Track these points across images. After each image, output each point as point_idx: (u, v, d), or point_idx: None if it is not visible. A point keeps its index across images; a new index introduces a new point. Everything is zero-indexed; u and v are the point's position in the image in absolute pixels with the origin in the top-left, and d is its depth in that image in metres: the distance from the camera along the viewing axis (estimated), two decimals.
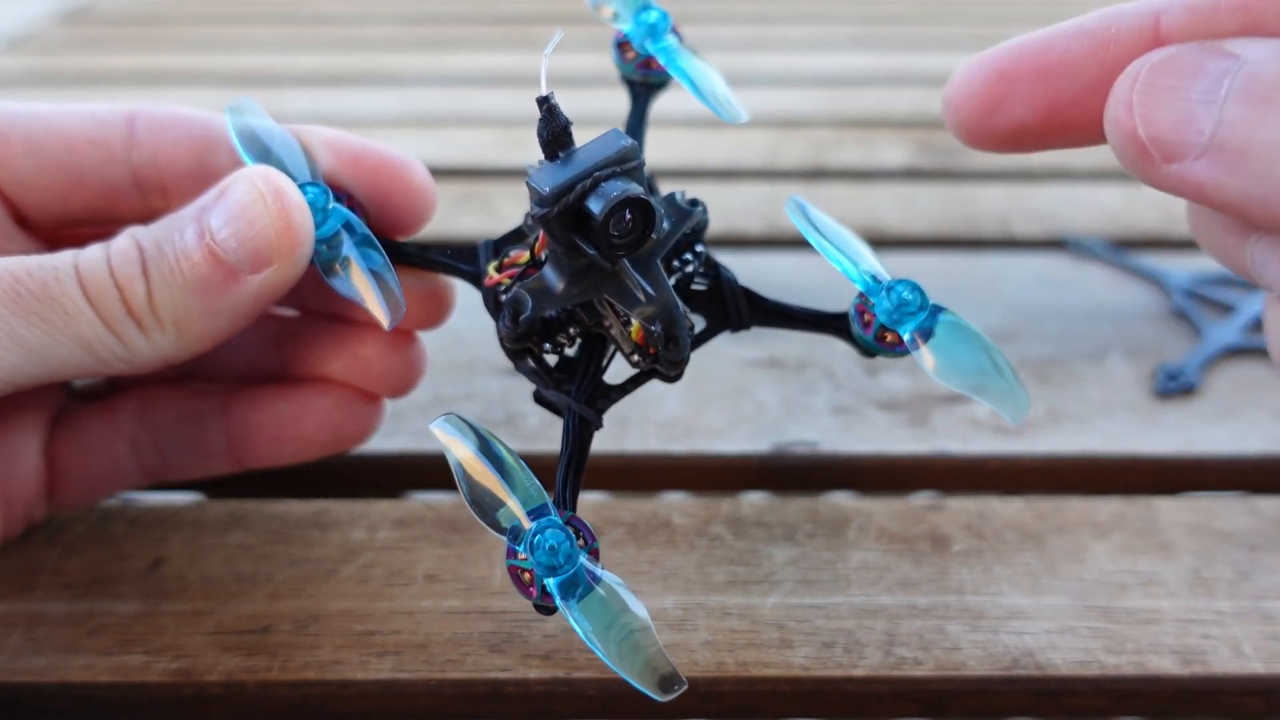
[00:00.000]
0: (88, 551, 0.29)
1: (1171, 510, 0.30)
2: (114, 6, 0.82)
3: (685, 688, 0.22)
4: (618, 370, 0.25)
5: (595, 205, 0.22)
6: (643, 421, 0.34)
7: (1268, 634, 0.26)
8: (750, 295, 0.26)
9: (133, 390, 0.29)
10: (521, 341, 0.24)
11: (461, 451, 0.22)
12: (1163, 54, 0.18)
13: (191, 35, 0.76)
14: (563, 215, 0.22)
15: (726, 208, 0.48)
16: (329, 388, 0.29)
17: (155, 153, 0.27)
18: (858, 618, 0.27)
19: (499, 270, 0.25)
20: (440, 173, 0.27)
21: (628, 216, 0.22)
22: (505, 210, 0.48)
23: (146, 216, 0.27)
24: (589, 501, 0.31)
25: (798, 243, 0.46)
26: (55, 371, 0.23)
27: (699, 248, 0.26)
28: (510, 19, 0.79)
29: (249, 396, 0.29)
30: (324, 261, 0.25)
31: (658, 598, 0.28)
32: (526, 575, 0.22)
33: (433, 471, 0.33)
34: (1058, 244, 0.46)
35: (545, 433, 0.34)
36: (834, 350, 0.37)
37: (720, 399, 0.36)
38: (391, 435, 0.34)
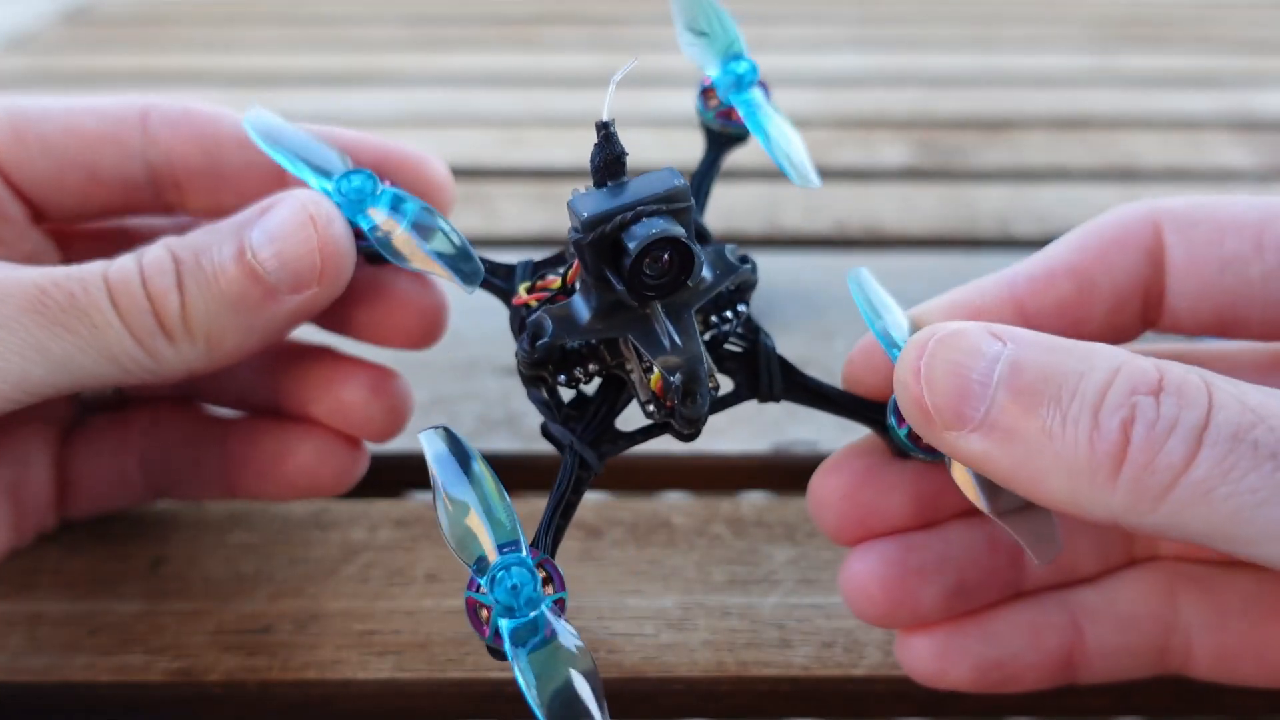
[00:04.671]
0: (89, 551, 0.29)
1: None
2: (115, 6, 0.82)
3: None
4: (632, 420, 0.24)
5: (631, 240, 0.21)
6: (641, 421, 0.34)
7: None
8: (786, 366, 0.25)
9: (143, 407, 0.29)
10: (536, 368, 0.23)
11: (440, 469, 0.21)
12: (948, 329, 0.20)
13: (192, 35, 0.76)
14: (597, 244, 0.21)
15: (727, 208, 0.48)
16: (313, 430, 0.28)
17: (169, 149, 0.26)
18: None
19: (529, 291, 0.24)
20: None
21: (665, 258, 0.21)
22: (505, 211, 0.48)
23: (160, 211, 0.27)
24: (589, 501, 0.31)
25: (798, 243, 0.46)
26: (80, 382, 0.23)
27: (741, 307, 0.24)
28: (511, 19, 0.79)
29: (246, 428, 0.28)
30: (383, 242, 0.24)
31: (658, 597, 0.28)
32: (484, 612, 0.20)
33: None
34: None
35: None
36: (833, 350, 0.37)
37: None
38: None
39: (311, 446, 0.28)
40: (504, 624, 0.20)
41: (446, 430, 0.21)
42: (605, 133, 0.21)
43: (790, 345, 0.37)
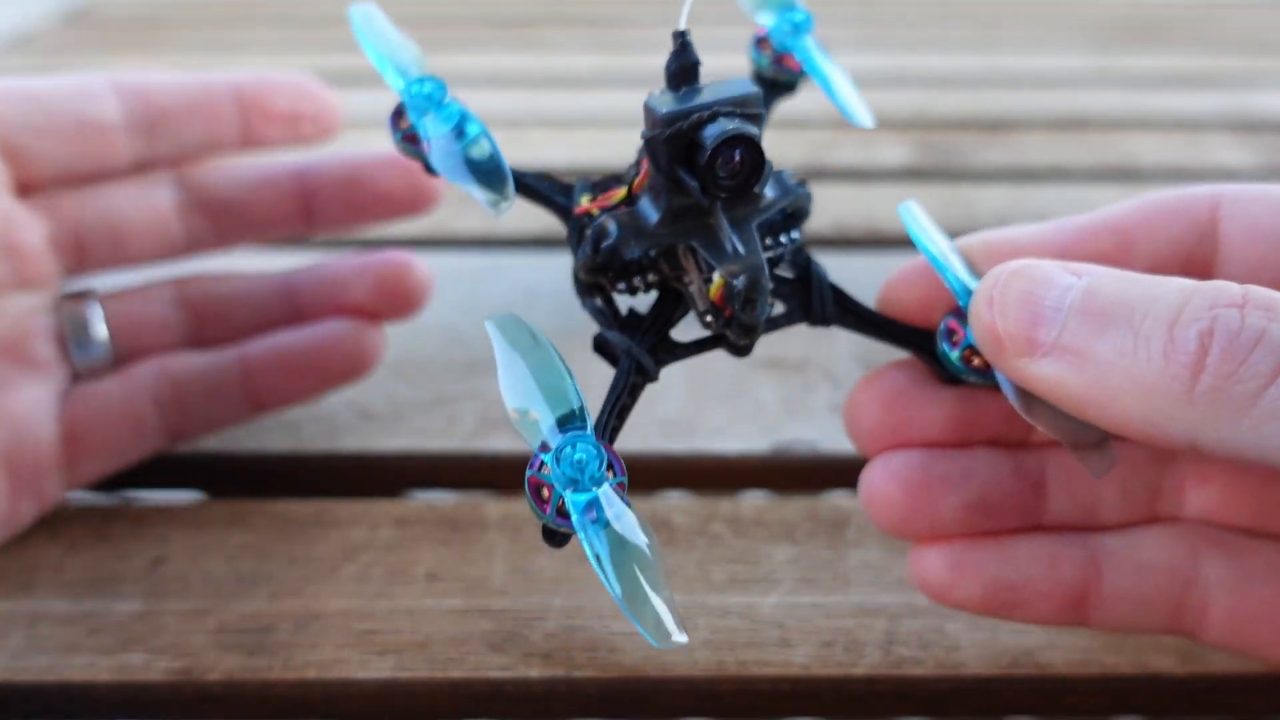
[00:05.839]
0: (89, 550, 0.29)
1: None
2: (115, 7, 0.82)
3: (686, 642, 0.22)
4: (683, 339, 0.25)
5: (707, 136, 0.21)
6: (643, 420, 0.34)
7: None
8: (837, 292, 0.25)
9: (148, 356, 0.30)
10: (596, 274, 0.24)
11: (509, 352, 0.22)
12: (1021, 263, 0.21)
13: (193, 36, 0.76)
14: (673, 140, 0.22)
15: None
16: (339, 316, 0.30)
17: (146, 94, 0.29)
18: (857, 617, 0.27)
19: (591, 201, 0.25)
20: None
21: (737, 158, 0.22)
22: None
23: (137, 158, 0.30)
24: None
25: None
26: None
27: (795, 234, 0.25)
28: (511, 21, 0.79)
29: (262, 340, 0.30)
30: (430, 152, 0.26)
31: None
32: (545, 491, 0.21)
33: (433, 470, 0.33)
34: None
35: None
36: (834, 350, 0.37)
37: (720, 398, 0.36)
38: (391, 435, 0.34)
39: (343, 327, 0.30)
40: (570, 496, 0.21)
41: (514, 316, 0.22)
42: (682, 41, 0.22)
43: (790, 344, 0.37)
